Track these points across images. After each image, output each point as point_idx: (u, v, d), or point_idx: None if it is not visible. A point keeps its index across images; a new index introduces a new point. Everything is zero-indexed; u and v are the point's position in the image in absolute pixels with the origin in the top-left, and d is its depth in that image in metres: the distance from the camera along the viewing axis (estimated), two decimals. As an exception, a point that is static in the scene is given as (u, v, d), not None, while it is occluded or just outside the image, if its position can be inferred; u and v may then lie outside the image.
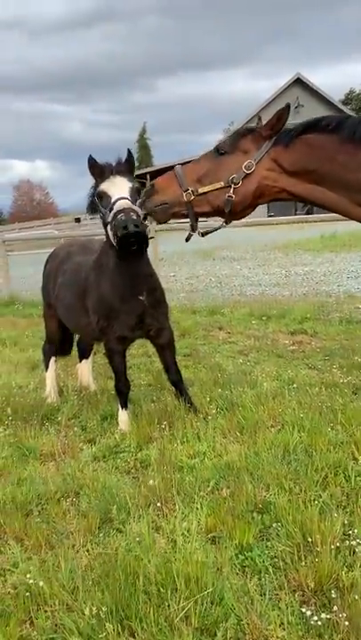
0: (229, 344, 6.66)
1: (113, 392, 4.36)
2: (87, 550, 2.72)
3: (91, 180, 3.77)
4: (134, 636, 2.14)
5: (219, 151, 2.58)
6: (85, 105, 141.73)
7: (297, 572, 2.39)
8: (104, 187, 3.59)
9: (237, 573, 2.47)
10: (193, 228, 2.71)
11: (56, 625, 2.25)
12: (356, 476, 3.11)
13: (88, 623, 2.17)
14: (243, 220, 2.80)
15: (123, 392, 4.18)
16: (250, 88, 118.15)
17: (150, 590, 2.31)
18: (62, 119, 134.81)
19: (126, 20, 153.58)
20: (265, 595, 2.31)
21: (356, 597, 2.17)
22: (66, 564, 2.53)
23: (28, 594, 2.38)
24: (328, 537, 2.52)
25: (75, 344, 5.28)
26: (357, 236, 16.35)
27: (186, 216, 2.64)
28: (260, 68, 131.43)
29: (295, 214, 26.53)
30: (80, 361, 5.25)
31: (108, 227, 3.51)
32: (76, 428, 4.24)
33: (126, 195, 3.50)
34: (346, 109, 34.23)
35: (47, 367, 5.11)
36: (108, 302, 3.93)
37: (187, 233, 2.81)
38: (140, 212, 3.27)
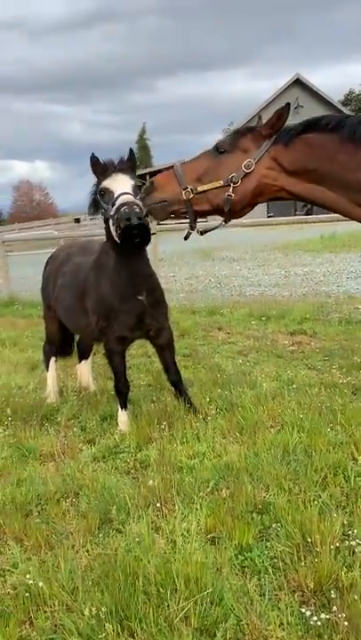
0: (229, 344, 6.66)
1: (112, 392, 4.36)
2: (87, 551, 2.72)
3: (91, 180, 3.78)
4: (134, 637, 2.14)
5: (218, 150, 2.59)
6: (85, 105, 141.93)
7: (296, 572, 2.39)
8: (106, 183, 3.60)
9: (237, 574, 2.47)
10: (192, 227, 2.72)
11: (56, 625, 2.25)
12: (355, 477, 3.12)
13: (88, 623, 2.17)
14: (242, 220, 2.80)
15: (122, 392, 4.18)
16: (250, 88, 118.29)
17: (150, 591, 2.31)
18: (62, 120, 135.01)
19: (126, 21, 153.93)
20: (264, 595, 2.31)
21: (356, 598, 2.17)
22: (65, 564, 2.53)
23: (27, 594, 2.38)
24: (328, 537, 2.52)
25: (75, 345, 5.29)
26: (357, 236, 16.36)
27: (185, 214, 2.65)
28: (260, 69, 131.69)
29: (295, 215, 26.55)
30: (80, 361, 5.25)
31: (111, 221, 3.50)
32: (75, 429, 4.24)
33: (129, 190, 3.50)
34: (345, 110, 34.27)
35: (47, 367, 5.12)
36: (108, 302, 3.93)
37: (186, 233, 2.82)
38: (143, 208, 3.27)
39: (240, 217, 2.71)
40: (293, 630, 2.12)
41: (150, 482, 3.17)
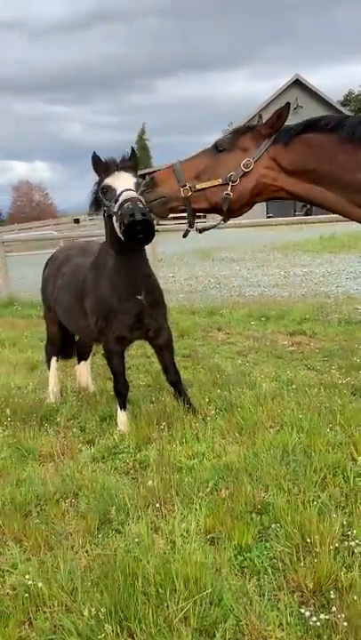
0: (228, 345, 6.66)
1: (112, 393, 4.36)
2: (86, 551, 2.72)
3: (91, 180, 3.78)
4: (133, 637, 2.13)
5: (217, 148, 2.59)
6: (85, 106, 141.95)
7: (296, 572, 2.39)
8: (109, 181, 3.59)
9: (236, 574, 2.47)
10: (190, 225, 2.72)
11: (55, 626, 2.25)
12: (354, 477, 3.12)
13: (87, 624, 2.17)
14: (242, 220, 2.81)
15: (121, 393, 4.18)
16: (250, 89, 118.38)
17: (149, 591, 2.31)
18: (62, 120, 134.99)
19: (126, 21, 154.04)
20: (264, 595, 2.31)
21: (355, 598, 2.17)
22: (65, 564, 2.53)
23: (26, 595, 2.38)
24: (327, 538, 2.52)
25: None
26: (356, 237, 16.38)
27: (184, 212, 2.65)
28: (259, 69, 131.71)
29: (294, 215, 26.57)
30: (79, 362, 5.26)
31: (114, 217, 3.48)
32: (75, 429, 4.24)
33: (132, 187, 3.50)
34: (345, 110, 34.29)
35: (49, 367, 5.14)
36: (107, 302, 3.93)
37: (185, 231, 2.82)
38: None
39: (239, 216, 2.72)
40: (293, 631, 2.12)
41: (150, 482, 3.17)
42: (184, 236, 2.88)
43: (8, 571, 2.63)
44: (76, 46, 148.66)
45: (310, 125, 2.43)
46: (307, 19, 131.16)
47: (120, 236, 3.48)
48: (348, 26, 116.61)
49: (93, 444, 3.99)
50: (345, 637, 2.04)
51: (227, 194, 2.54)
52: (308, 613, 2.14)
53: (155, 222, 3.42)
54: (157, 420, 4.03)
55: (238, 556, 2.56)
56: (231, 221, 2.74)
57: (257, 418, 3.95)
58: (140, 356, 6.16)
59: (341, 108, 35.03)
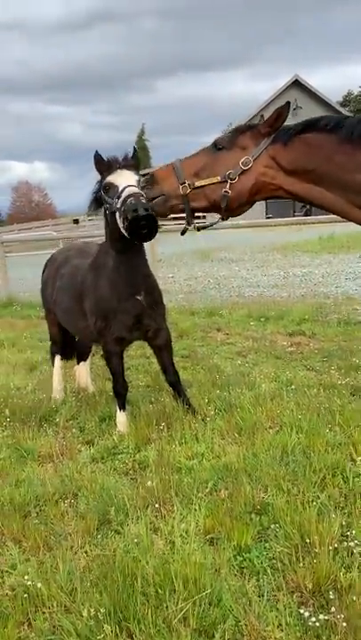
0: (228, 345, 6.66)
1: (111, 394, 4.36)
2: (85, 552, 2.72)
3: (91, 180, 3.78)
4: (132, 638, 2.13)
5: (217, 146, 2.60)
6: (85, 106, 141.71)
7: (295, 573, 2.39)
8: (111, 178, 3.59)
9: (236, 574, 2.47)
10: (189, 222, 2.72)
11: (54, 626, 2.25)
12: (354, 477, 3.12)
13: (86, 625, 2.17)
14: (241, 221, 2.82)
15: (121, 393, 4.18)
16: (250, 89, 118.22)
17: (148, 592, 2.31)
18: (61, 120, 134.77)
19: (126, 21, 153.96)
20: (263, 596, 2.31)
21: (354, 598, 2.17)
22: (64, 565, 2.53)
23: (26, 595, 2.38)
24: (326, 538, 2.52)
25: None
26: (355, 237, 16.38)
27: (184, 211, 2.66)
28: (259, 69, 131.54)
29: (293, 216, 26.59)
30: (78, 363, 5.27)
31: (117, 213, 3.47)
32: (74, 430, 4.24)
33: (134, 184, 3.50)
34: (344, 111, 34.30)
35: (53, 364, 5.20)
36: (106, 302, 3.93)
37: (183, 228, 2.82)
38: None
39: (238, 215, 2.72)
40: (292, 631, 2.12)
41: (149, 483, 3.17)
42: (182, 234, 2.88)
43: (7, 571, 2.63)
44: (76, 46, 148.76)
45: (310, 125, 2.44)
46: (307, 19, 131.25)
47: (123, 231, 3.46)
48: (347, 26, 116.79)
49: (93, 445, 3.99)
50: (344, 638, 2.04)
51: (225, 191, 2.54)
52: (307, 614, 2.14)
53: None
54: (157, 420, 4.03)
55: (238, 557, 2.56)
56: (230, 222, 2.75)
57: (256, 418, 3.95)
58: (139, 356, 6.16)
59: (341, 109, 35.06)
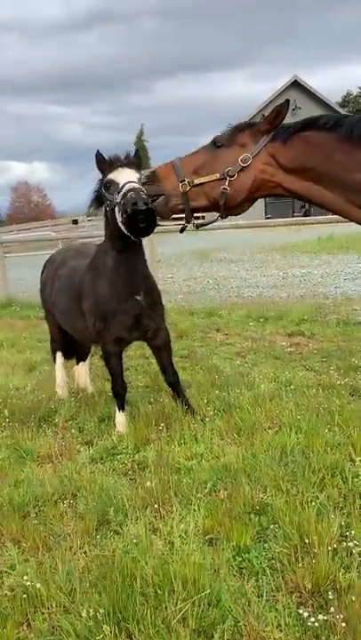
0: (227, 346, 6.66)
1: (110, 394, 4.35)
2: (84, 552, 2.72)
3: (91, 180, 3.79)
4: (131, 638, 2.13)
5: (216, 144, 2.60)
6: (84, 107, 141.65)
7: (294, 573, 2.39)
8: (112, 176, 3.60)
9: (235, 575, 2.47)
10: (188, 220, 2.73)
11: (53, 627, 2.25)
12: (353, 478, 3.12)
13: (85, 625, 2.17)
14: (240, 221, 2.83)
15: (120, 394, 4.18)
16: (250, 90, 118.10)
17: (147, 592, 2.31)
18: (61, 121, 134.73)
19: (125, 22, 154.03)
20: (262, 596, 2.31)
21: (353, 599, 2.17)
22: (63, 565, 2.53)
23: (25, 596, 2.37)
24: (325, 538, 2.52)
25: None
26: (355, 237, 16.39)
27: (184, 212, 2.66)
28: (259, 70, 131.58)
29: (293, 216, 26.60)
30: (77, 363, 5.27)
31: (117, 208, 3.48)
32: (73, 430, 4.24)
33: (135, 181, 3.50)
34: (343, 112, 34.33)
35: (55, 360, 5.23)
36: (106, 303, 3.93)
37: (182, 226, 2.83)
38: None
39: (237, 214, 2.72)
40: (291, 631, 2.12)
41: (148, 483, 3.17)
42: (181, 232, 2.88)
43: (6, 572, 2.63)
44: (76, 47, 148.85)
45: (309, 123, 2.44)
46: (307, 19, 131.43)
47: (121, 226, 3.47)
48: (347, 26, 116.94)
49: (92, 445, 3.98)
50: (343, 638, 2.04)
51: (224, 188, 2.55)
52: (306, 614, 2.14)
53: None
54: (156, 420, 4.03)
55: (237, 557, 2.56)
56: (230, 222, 2.76)
57: (255, 419, 3.95)
58: (138, 356, 6.16)
59: (340, 110, 35.07)
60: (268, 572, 2.46)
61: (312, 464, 3.23)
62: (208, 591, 2.27)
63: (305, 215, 24.72)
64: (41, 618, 2.30)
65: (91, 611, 2.21)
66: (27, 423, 4.29)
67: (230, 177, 2.52)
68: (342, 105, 47.81)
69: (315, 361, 5.67)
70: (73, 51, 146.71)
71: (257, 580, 2.43)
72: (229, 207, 2.61)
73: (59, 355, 5.20)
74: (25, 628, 2.29)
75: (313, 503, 2.84)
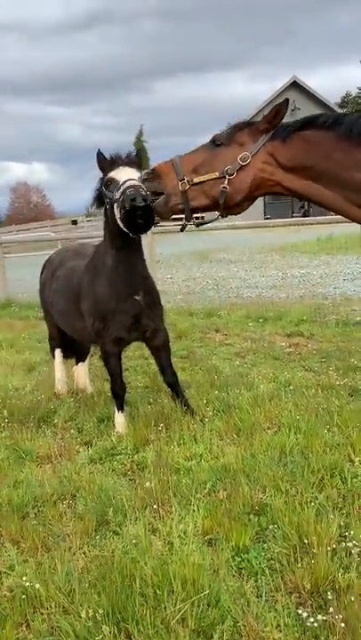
0: (226, 346, 6.66)
1: (109, 394, 4.35)
2: (84, 553, 2.72)
3: (91, 181, 3.80)
4: (131, 639, 2.13)
5: (215, 142, 2.61)
6: (84, 107, 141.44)
7: (293, 573, 2.39)
8: (113, 174, 3.61)
9: (234, 575, 2.47)
10: (187, 219, 2.73)
11: (52, 628, 2.24)
12: (352, 478, 3.12)
13: (84, 626, 2.17)
14: (239, 222, 2.83)
15: (119, 394, 4.18)
16: (249, 91, 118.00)
17: (147, 592, 2.31)
18: (61, 121, 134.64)
19: (125, 23, 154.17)
20: (261, 596, 2.31)
21: (353, 599, 2.17)
22: (62, 566, 2.52)
23: (24, 596, 2.37)
24: (324, 539, 2.52)
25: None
26: (354, 238, 16.38)
27: (184, 211, 2.66)
28: (259, 70, 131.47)
29: (292, 216, 26.62)
30: (77, 363, 5.27)
31: (116, 204, 3.49)
32: (72, 431, 4.24)
33: (135, 179, 3.50)
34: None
35: (54, 356, 5.27)
36: (105, 303, 3.93)
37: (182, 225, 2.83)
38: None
39: (237, 213, 2.73)
40: (290, 632, 2.12)
41: (147, 483, 3.17)
42: (182, 230, 2.88)
43: (5, 572, 2.62)
44: (76, 47, 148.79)
45: (309, 122, 2.45)
46: (306, 19, 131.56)
47: (120, 223, 3.47)
48: (347, 27, 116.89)
49: (91, 446, 3.98)
50: (342, 638, 2.04)
51: (223, 187, 2.55)
52: (305, 614, 2.14)
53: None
54: (155, 421, 4.02)
55: (236, 558, 2.56)
56: (229, 222, 2.76)
57: (255, 419, 3.95)
58: (137, 357, 6.16)
59: (339, 110, 35.13)
60: (267, 572, 2.46)
61: (311, 464, 3.23)
62: (207, 591, 2.27)
63: (304, 215, 24.76)
64: (40, 618, 2.30)
65: (90, 611, 2.21)
66: (26, 424, 4.29)
67: (229, 175, 2.53)
68: (341, 106, 47.83)
69: (314, 361, 5.67)
70: (73, 51, 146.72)
71: (256, 581, 2.43)
72: (229, 206, 2.61)
73: (57, 352, 5.22)
74: (24, 628, 2.28)
75: (312, 503, 2.85)
